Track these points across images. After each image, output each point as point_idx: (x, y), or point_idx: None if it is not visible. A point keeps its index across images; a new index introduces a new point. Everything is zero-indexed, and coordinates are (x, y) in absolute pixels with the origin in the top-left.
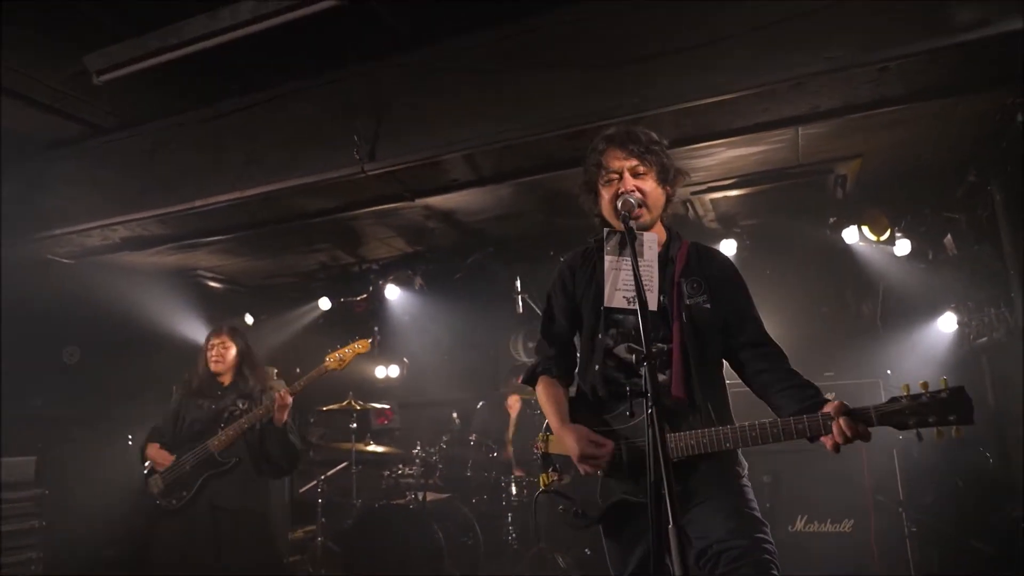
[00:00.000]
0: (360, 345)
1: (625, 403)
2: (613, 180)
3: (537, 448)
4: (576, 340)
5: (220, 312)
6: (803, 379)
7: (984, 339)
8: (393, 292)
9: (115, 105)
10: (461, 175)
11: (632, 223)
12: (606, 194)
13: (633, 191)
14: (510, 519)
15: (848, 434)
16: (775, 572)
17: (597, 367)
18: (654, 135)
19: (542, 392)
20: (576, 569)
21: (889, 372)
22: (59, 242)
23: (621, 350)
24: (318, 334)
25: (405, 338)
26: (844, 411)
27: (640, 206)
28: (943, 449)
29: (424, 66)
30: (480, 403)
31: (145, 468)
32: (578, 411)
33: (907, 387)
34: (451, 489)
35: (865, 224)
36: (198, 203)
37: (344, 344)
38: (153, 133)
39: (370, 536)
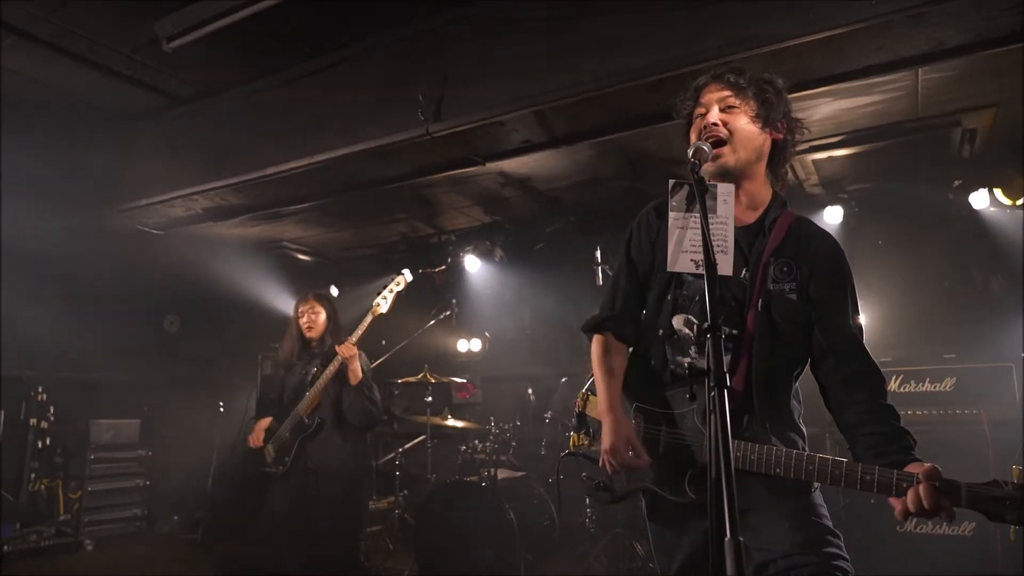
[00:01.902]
0: (397, 283)
1: (676, 385)
2: (700, 115)
3: (575, 406)
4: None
5: (307, 284)
6: (894, 424)
7: None
8: (473, 263)
9: (191, 75)
10: (532, 135)
11: (710, 166)
12: (693, 134)
13: (717, 125)
14: (587, 501)
15: (926, 506)
16: None
17: (660, 332)
18: (768, 75)
19: (597, 355)
20: (652, 559)
21: (1023, 354)
22: (146, 213)
23: (679, 321)
24: (399, 306)
25: (486, 311)
26: (931, 477)
27: (722, 144)
28: None
29: (491, 17)
30: (563, 379)
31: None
32: (634, 376)
33: (1018, 471)
34: (526, 468)
35: (998, 186)
36: (270, 171)
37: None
38: (227, 102)
39: (442, 512)
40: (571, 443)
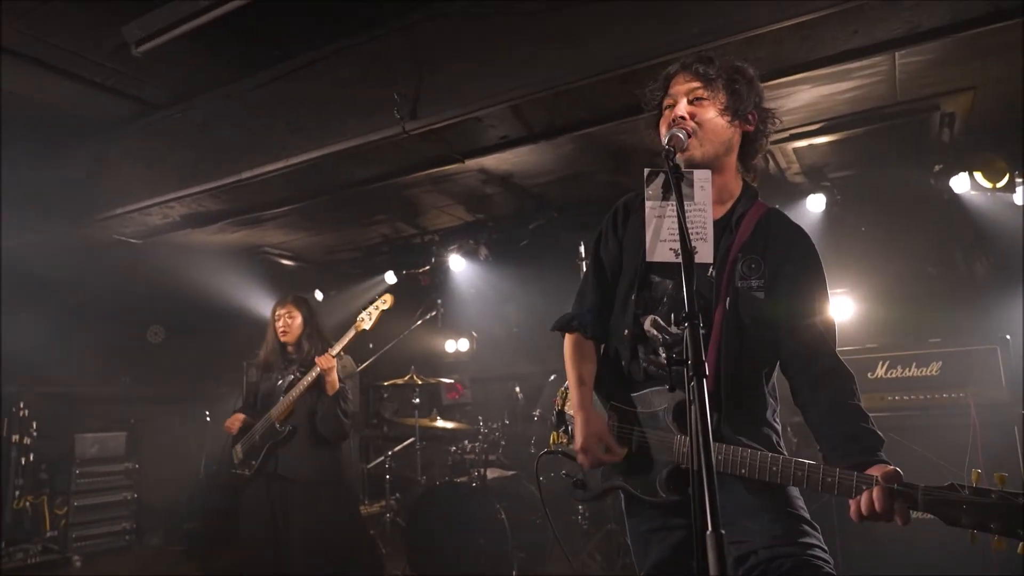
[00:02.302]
0: (383, 301)
1: (645, 384)
2: (669, 107)
3: (555, 403)
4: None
5: (291, 289)
6: (859, 425)
7: None
8: (458, 263)
9: (163, 80)
10: (510, 130)
11: (679, 157)
12: (662, 126)
13: (684, 119)
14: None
15: (877, 508)
16: None
17: (626, 332)
18: (740, 64)
19: (570, 353)
20: None
21: (1008, 337)
22: (123, 222)
23: (647, 322)
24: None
25: (472, 311)
26: (890, 479)
27: (691, 136)
28: None
29: (463, 13)
30: (551, 377)
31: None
32: (606, 375)
33: (978, 475)
34: (516, 467)
35: (978, 170)
36: (246, 175)
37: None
38: (202, 106)
39: (433, 514)
40: (551, 441)
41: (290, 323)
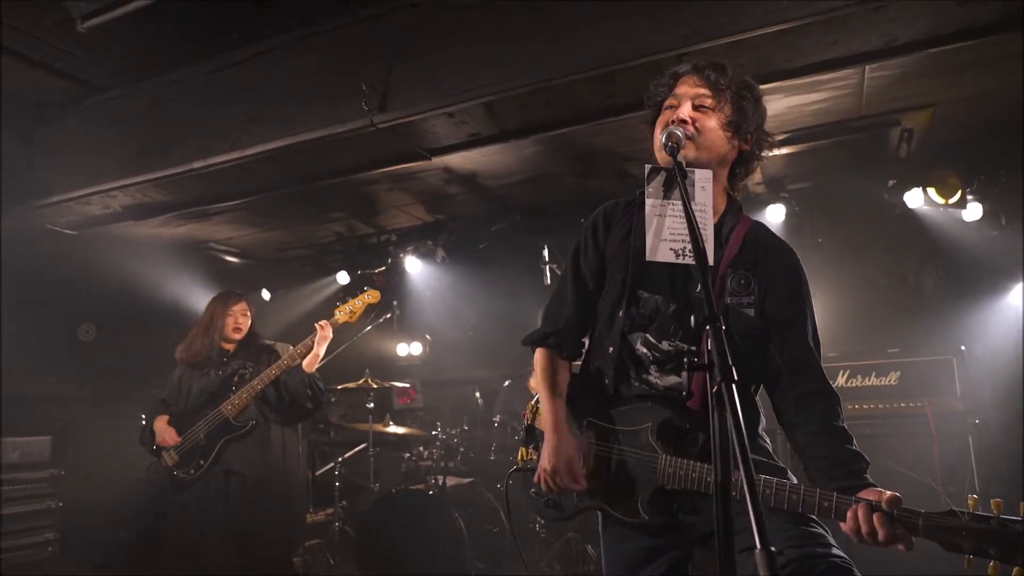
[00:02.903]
0: (370, 295)
1: (629, 402)
2: (671, 107)
3: (524, 418)
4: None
5: (235, 287)
6: (846, 448)
7: None
8: (414, 264)
9: (109, 60)
10: (482, 128)
11: (680, 157)
12: (658, 127)
13: (686, 122)
14: None
15: (880, 535)
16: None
17: (611, 349)
18: (750, 80)
19: (542, 371)
20: None
21: (964, 348)
22: (58, 211)
23: (636, 340)
24: (335, 311)
25: (427, 313)
26: (890, 505)
27: (689, 139)
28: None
29: (440, 5)
30: (506, 382)
31: (154, 445)
32: (579, 392)
33: (974, 500)
34: (474, 474)
35: (932, 186)
36: (197, 165)
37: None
38: (151, 91)
39: (387, 523)
40: (519, 457)
41: (244, 322)
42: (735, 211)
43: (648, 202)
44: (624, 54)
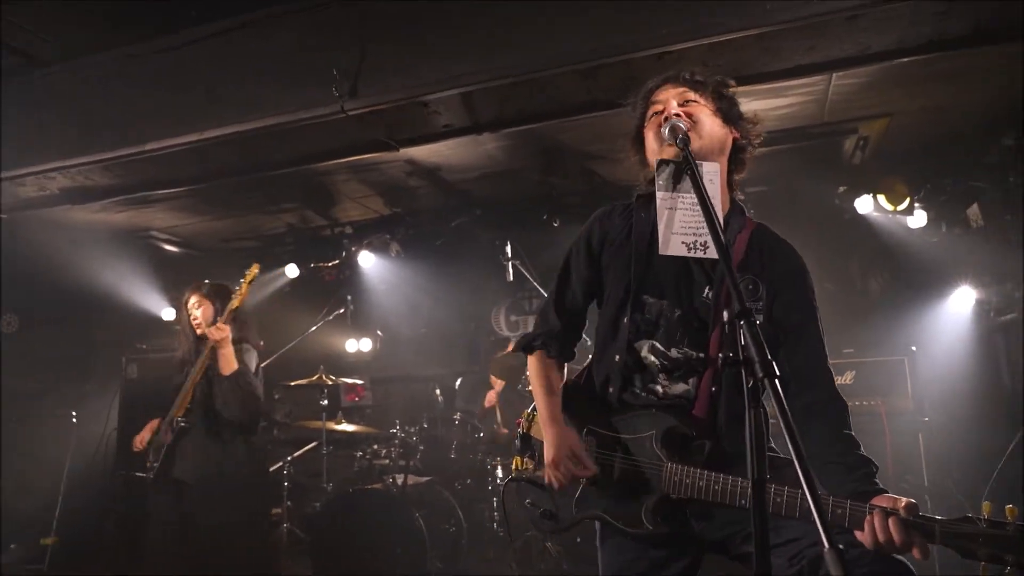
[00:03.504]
0: (250, 272)
1: (633, 410)
2: (658, 113)
3: (519, 426)
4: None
5: (176, 279)
6: (858, 454)
7: (1011, 316)
8: (368, 259)
9: (56, 32)
10: (456, 119)
11: (676, 152)
12: (650, 132)
13: (680, 115)
14: (495, 504)
15: (896, 541)
16: None
17: (618, 358)
18: (722, 77)
19: (535, 372)
20: (567, 558)
21: (914, 349)
22: None
23: (643, 348)
24: (284, 305)
25: (380, 309)
26: (908, 512)
27: (691, 131)
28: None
29: None
30: (459, 380)
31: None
32: (578, 401)
33: (989, 507)
34: (432, 472)
35: (881, 193)
36: (150, 147)
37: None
38: (100, 66)
39: (342, 523)
40: (514, 466)
41: (199, 315)
42: (738, 213)
43: (659, 195)
44: (609, 49)
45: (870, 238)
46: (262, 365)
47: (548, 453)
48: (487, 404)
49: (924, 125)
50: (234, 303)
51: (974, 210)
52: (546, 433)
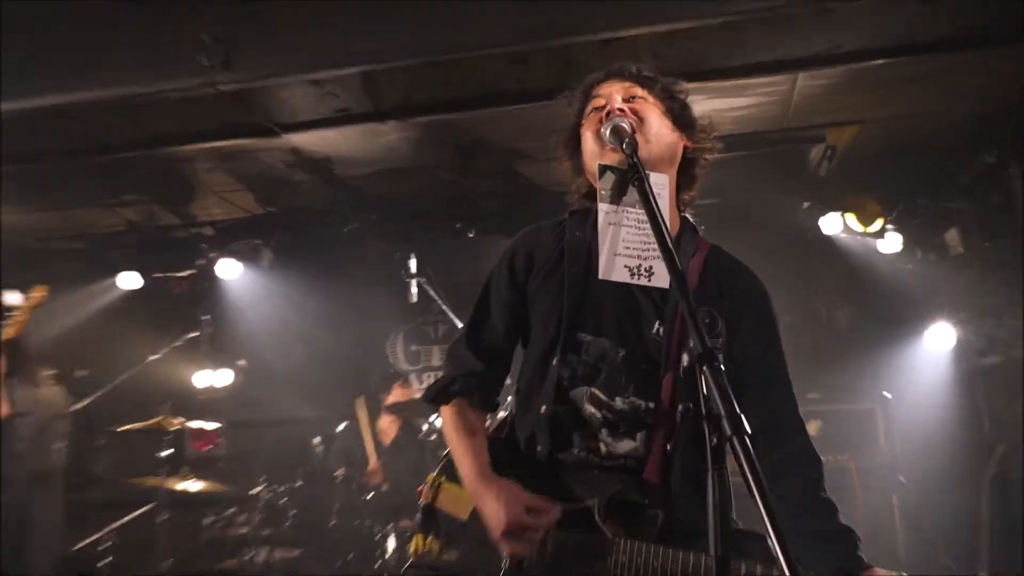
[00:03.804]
0: (32, 296)
1: (569, 473)
2: (598, 108)
3: (420, 496)
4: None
5: None
6: (835, 522)
7: (997, 358)
8: (231, 269)
9: None
10: (353, 103)
11: (619, 158)
12: (589, 131)
13: (623, 111)
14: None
15: None
16: None
17: (544, 408)
18: (673, 79)
19: (454, 426)
20: None
21: (888, 395)
22: None
23: (580, 396)
24: (120, 322)
25: (245, 333)
26: None
27: (636, 132)
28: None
29: None
30: (342, 425)
31: None
32: (504, 461)
33: None
34: (304, 543)
35: (851, 211)
36: None
37: None
38: None
39: None
40: (412, 547)
41: None
42: (690, 232)
43: (601, 207)
44: (543, 33)
45: (837, 262)
46: (79, 406)
47: (495, 519)
48: (370, 467)
49: (897, 135)
50: (7, 332)
51: (953, 235)
52: (482, 496)
